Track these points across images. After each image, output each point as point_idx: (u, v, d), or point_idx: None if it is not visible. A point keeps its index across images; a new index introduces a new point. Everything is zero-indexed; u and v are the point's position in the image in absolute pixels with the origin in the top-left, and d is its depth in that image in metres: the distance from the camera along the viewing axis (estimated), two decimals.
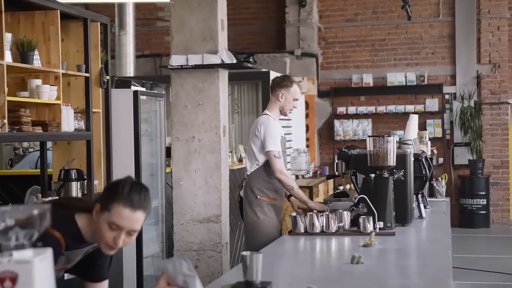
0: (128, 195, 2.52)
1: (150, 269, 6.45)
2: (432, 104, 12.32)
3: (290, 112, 5.27)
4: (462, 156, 12.26)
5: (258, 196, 5.06)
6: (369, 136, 4.34)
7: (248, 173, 5.17)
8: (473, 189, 11.96)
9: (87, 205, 2.66)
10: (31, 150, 8.03)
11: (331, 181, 10.71)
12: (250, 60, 5.84)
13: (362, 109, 12.54)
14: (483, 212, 11.96)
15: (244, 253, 2.67)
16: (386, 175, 4.27)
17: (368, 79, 12.56)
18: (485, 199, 11.95)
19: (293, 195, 5.09)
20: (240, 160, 8.46)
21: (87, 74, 5.40)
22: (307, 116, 12.06)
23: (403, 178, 4.41)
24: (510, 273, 8.24)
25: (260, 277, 2.66)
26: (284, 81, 5.17)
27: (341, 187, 10.30)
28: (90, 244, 2.70)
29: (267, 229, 5.04)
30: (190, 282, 2.31)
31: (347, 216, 4.19)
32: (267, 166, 5.07)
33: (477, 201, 11.92)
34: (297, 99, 5.19)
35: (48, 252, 1.70)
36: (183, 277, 2.31)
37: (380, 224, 4.15)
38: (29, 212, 1.67)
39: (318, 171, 10.54)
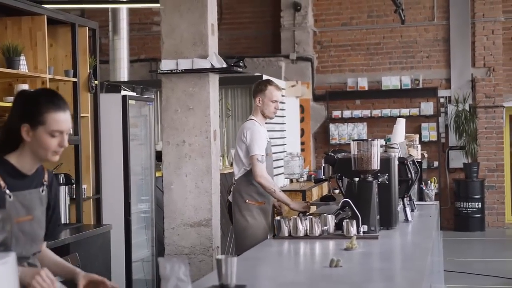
0: (52, 102, 2.64)
1: (140, 273, 6.46)
2: (427, 107, 12.33)
3: (275, 114, 5.30)
4: (457, 160, 12.27)
5: (247, 200, 5.12)
6: (353, 140, 4.35)
7: (236, 178, 5.22)
8: (468, 193, 11.96)
9: (9, 144, 2.69)
10: None
11: (325, 185, 10.73)
12: (240, 64, 5.86)
13: (357, 113, 12.56)
14: (478, 215, 11.96)
15: (219, 257, 2.69)
16: (370, 179, 4.28)
17: (363, 83, 12.58)
18: (480, 203, 11.95)
19: (275, 198, 5.13)
20: (232, 164, 8.48)
21: (75, 79, 5.43)
22: (302, 120, 12.08)
23: (387, 182, 4.42)
24: (503, 277, 8.24)
25: (235, 280, 2.68)
26: (259, 86, 5.26)
27: (337, 191, 10.31)
28: (34, 180, 2.74)
29: (256, 232, 5.09)
30: (183, 287, 2.32)
31: (331, 220, 4.20)
32: None
33: (472, 204, 11.92)
34: (275, 101, 5.22)
35: (11, 257, 1.72)
36: (176, 281, 2.32)
37: (364, 228, 4.15)
38: None
39: (313, 175, 10.54)
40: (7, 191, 2.61)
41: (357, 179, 4.27)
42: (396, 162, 4.58)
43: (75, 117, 5.49)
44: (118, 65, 10.57)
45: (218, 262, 2.68)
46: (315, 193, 9.60)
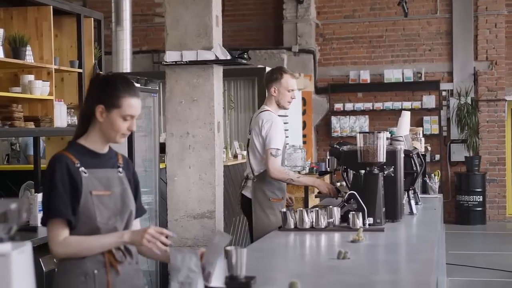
0: (128, 87, 2.76)
1: (143, 264, 6.47)
2: (429, 101, 12.33)
3: (290, 104, 5.13)
4: (459, 153, 12.28)
5: (271, 199, 4.98)
6: (359, 133, 4.35)
7: (256, 174, 5.05)
8: (469, 186, 11.98)
9: (81, 129, 2.82)
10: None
11: (328, 177, 10.73)
12: (244, 56, 5.84)
13: (359, 105, 12.55)
14: (479, 209, 11.98)
15: (228, 248, 2.69)
16: (376, 171, 4.28)
17: (366, 76, 12.57)
18: (481, 196, 11.97)
19: (298, 185, 4.97)
20: (235, 156, 8.48)
21: (80, 70, 5.42)
22: (304, 112, 12.08)
23: (393, 175, 4.42)
24: (504, 270, 8.26)
25: (244, 271, 2.69)
26: (274, 74, 5.08)
27: (338, 184, 10.31)
28: (109, 160, 2.85)
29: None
30: (194, 278, 2.32)
31: (337, 212, 4.20)
32: None
33: (473, 197, 11.94)
34: (292, 90, 5.05)
35: (27, 246, 1.72)
36: (187, 272, 2.32)
37: (370, 220, 4.16)
38: (7, 206, 1.69)
39: (315, 168, 10.55)
40: (82, 168, 2.72)
41: (363, 171, 4.27)
42: (402, 155, 4.58)
43: (80, 108, 5.50)
44: (121, 57, 10.53)
45: (227, 253, 2.68)
46: None
